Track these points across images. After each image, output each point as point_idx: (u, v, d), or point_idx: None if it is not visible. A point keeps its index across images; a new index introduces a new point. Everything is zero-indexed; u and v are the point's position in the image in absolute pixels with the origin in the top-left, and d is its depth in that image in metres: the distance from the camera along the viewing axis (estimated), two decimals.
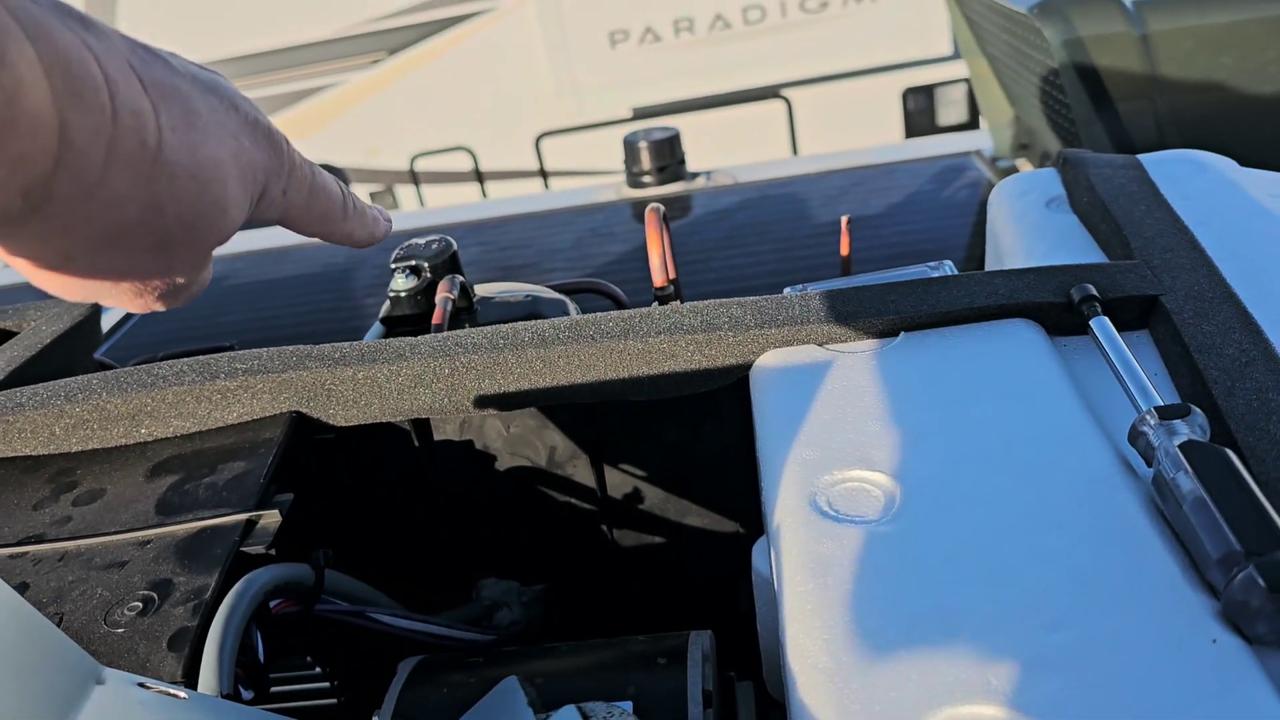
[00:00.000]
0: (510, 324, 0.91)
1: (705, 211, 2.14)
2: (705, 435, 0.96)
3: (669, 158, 2.25)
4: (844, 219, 1.14)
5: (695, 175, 2.31)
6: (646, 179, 2.25)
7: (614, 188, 2.30)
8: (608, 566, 1.03)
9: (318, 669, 0.91)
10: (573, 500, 0.99)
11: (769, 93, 5.08)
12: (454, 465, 0.98)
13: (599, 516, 1.00)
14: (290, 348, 0.93)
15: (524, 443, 0.96)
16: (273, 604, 0.80)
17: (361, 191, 5.26)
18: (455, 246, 1.13)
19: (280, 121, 5.20)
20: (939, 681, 0.56)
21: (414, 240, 1.14)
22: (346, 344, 0.92)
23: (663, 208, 1.10)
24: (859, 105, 5.13)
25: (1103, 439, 0.71)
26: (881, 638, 0.59)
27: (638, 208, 2.17)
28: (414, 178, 5.16)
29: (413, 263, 1.09)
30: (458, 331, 0.92)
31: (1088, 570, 0.61)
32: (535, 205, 2.28)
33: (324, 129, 5.24)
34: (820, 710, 0.57)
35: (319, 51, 5.11)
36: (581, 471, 0.98)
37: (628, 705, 0.74)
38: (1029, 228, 1.04)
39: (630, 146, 2.26)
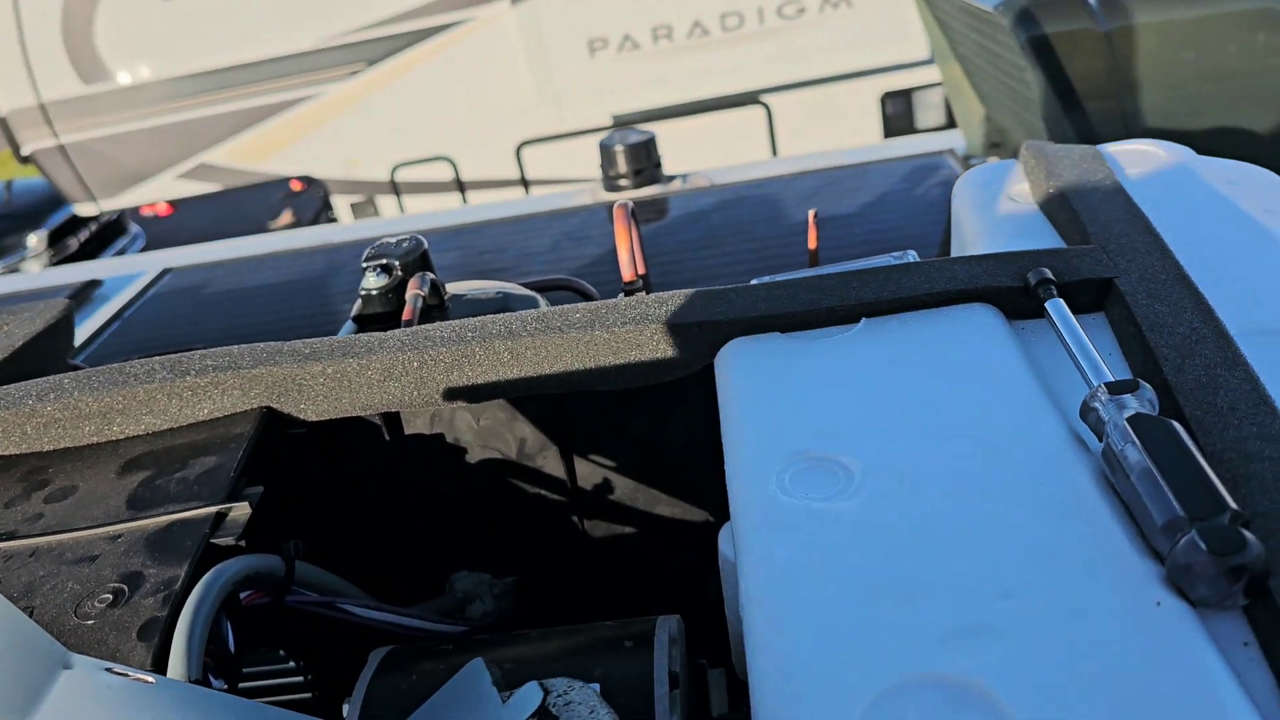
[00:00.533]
0: (479, 317, 0.92)
1: (681, 213, 2.15)
2: (673, 425, 0.97)
3: (645, 161, 2.26)
4: (811, 213, 1.16)
5: (671, 178, 2.32)
6: (623, 182, 2.27)
7: (590, 191, 2.32)
8: (579, 558, 1.04)
9: (292, 662, 0.91)
10: (543, 492, 1.00)
11: (748, 99, 5.11)
12: (425, 458, 0.98)
13: (570, 508, 1.01)
14: (261, 344, 0.94)
15: (494, 435, 0.97)
16: (243, 595, 0.81)
17: (343, 202, 5.25)
18: (426, 245, 1.14)
19: (261, 133, 5.21)
20: (893, 650, 0.57)
21: (385, 239, 1.15)
22: (317, 340, 0.93)
23: (631, 204, 1.11)
24: (838, 110, 5.15)
25: (1056, 415, 0.73)
26: (839, 610, 0.60)
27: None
28: (395, 188, 5.16)
29: (383, 261, 1.10)
30: (426, 325, 0.92)
31: (1039, 540, 0.63)
32: (513, 210, 2.29)
33: (304, 140, 5.23)
34: (779, 684, 0.58)
35: (298, 63, 5.11)
36: (552, 463, 0.99)
37: (595, 687, 0.75)
38: (991, 217, 1.06)
39: (606, 150, 2.27)
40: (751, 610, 0.63)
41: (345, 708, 0.78)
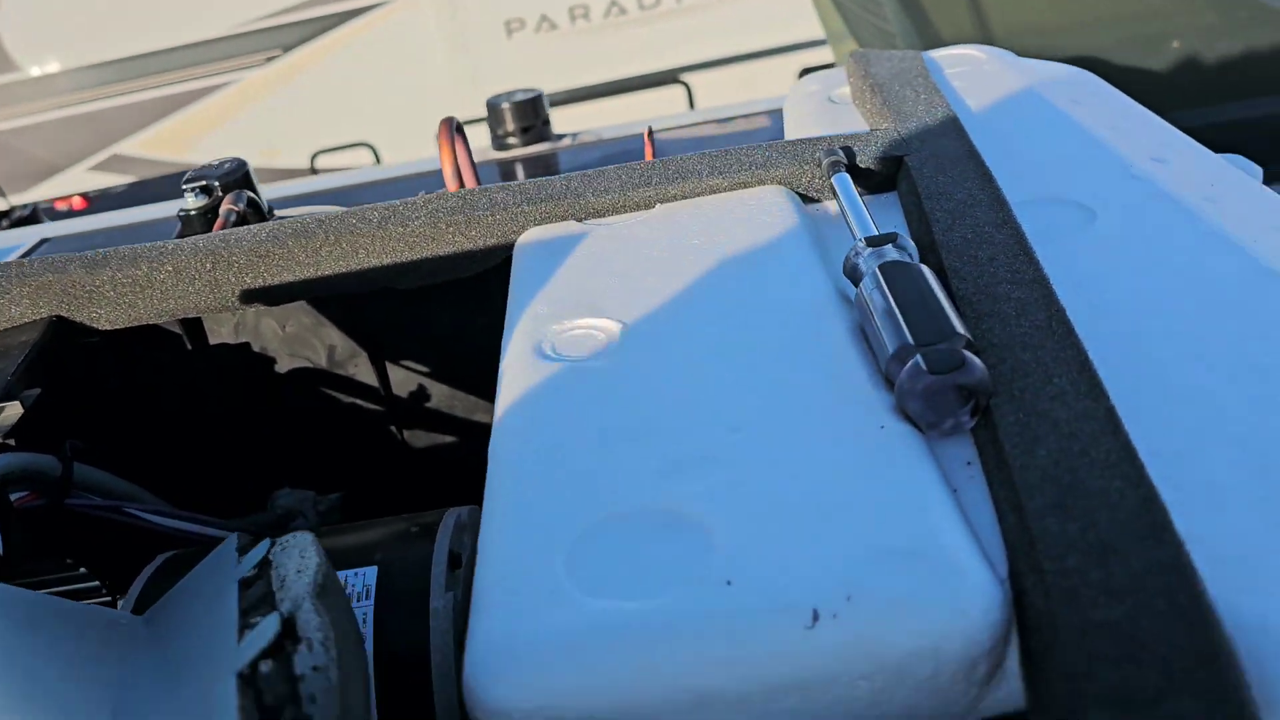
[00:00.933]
0: (278, 222, 0.91)
1: (568, 168, 2.14)
2: (479, 324, 0.95)
3: (533, 118, 2.24)
4: (646, 130, 1.15)
5: (561, 136, 2.31)
6: (511, 140, 2.25)
7: (479, 151, 2.29)
8: (403, 469, 1.02)
9: (84, 571, 0.88)
10: (359, 401, 0.98)
11: (668, 78, 5.10)
12: (233, 368, 0.96)
13: (387, 417, 0.99)
14: (55, 255, 0.91)
15: (302, 343, 0.95)
16: (16, 497, 0.78)
17: (264, 192, 5.17)
18: (249, 167, 1.12)
19: (176, 122, 5.11)
20: (613, 486, 0.56)
21: (207, 163, 1.13)
22: (112, 248, 0.90)
23: (456, 119, 1.10)
24: (757, 87, 5.16)
25: (823, 276, 0.73)
26: (571, 455, 0.60)
27: (503, 167, 2.17)
28: (315, 175, 5.09)
29: (203, 183, 1.08)
30: (225, 231, 0.90)
31: (781, 383, 0.62)
32: (400, 171, 2.26)
33: (221, 128, 5.14)
34: (498, 523, 0.57)
35: (212, 50, 5.03)
36: (364, 371, 0.97)
37: (372, 570, 0.73)
38: (810, 117, 1.06)
39: (494, 109, 2.25)
40: (490, 463, 0.62)
41: (120, 604, 0.76)
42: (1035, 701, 0.46)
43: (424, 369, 0.97)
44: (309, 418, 1.00)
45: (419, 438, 1.01)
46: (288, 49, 5.02)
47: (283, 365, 0.96)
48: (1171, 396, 0.59)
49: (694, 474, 0.56)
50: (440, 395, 0.98)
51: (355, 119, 5.09)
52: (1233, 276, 0.68)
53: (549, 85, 5.37)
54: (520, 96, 2.23)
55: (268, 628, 0.48)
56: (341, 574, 0.73)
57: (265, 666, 0.45)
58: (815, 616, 0.47)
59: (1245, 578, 0.47)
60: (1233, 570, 0.47)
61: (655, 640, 0.47)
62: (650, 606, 0.49)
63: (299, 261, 0.87)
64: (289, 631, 0.47)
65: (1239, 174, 0.85)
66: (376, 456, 1.02)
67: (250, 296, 0.88)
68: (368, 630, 0.70)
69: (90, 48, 4.86)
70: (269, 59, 5.03)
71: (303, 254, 0.87)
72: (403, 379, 0.98)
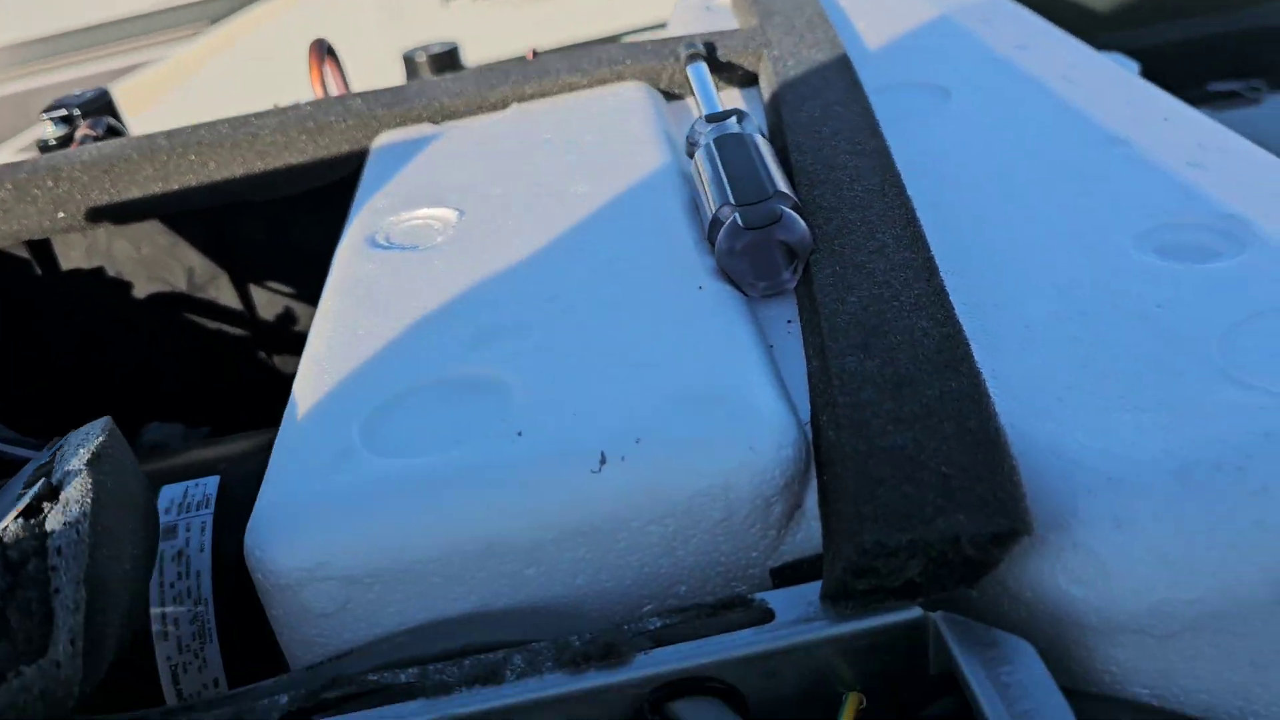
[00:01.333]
0: (126, 138, 0.87)
1: None
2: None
3: (449, 70, 2.20)
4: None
5: None
6: None
7: None
8: (272, 399, 0.99)
9: None
10: (224, 327, 0.95)
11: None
12: (87, 294, 0.93)
13: (254, 343, 0.97)
14: None
15: (159, 265, 0.92)
16: None
17: None
18: (111, 96, 1.08)
19: None
20: (422, 358, 0.55)
21: (69, 93, 1.09)
22: None
23: (327, 42, 1.07)
24: None
25: (672, 160, 0.71)
26: (388, 330, 0.58)
27: None
28: None
29: (63, 111, 1.04)
30: (70, 150, 0.87)
31: (607, 255, 0.61)
32: None
33: (150, 107, 5.02)
34: (306, 395, 0.55)
35: (136, 25, 4.90)
36: (226, 294, 0.94)
37: (214, 479, 0.71)
38: (688, 25, 1.04)
39: (409, 61, 2.21)
40: (305, 348, 0.60)
41: None
42: (826, 535, 0.45)
43: (288, 288, 0.94)
44: (172, 345, 0.96)
45: (289, 364, 0.98)
46: (214, 21, 4.91)
47: (140, 290, 0.93)
48: (998, 255, 0.58)
49: (503, 341, 0.54)
50: (306, 315, 0.96)
51: (288, 94, 4.99)
52: (1076, 145, 0.67)
53: (488, 53, 5.32)
54: (437, 49, 2.18)
55: (31, 493, 0.45)
56: (182, 485, 0.70)
57: (15, 525, 0.43)
58: (603, 460, 0.45)
59: (1042, 406, 0.46)
60: (1031, 400, 0.46)
61: (441, 492, 0.46)
62: (438, 460, 0.47)
63: (146, 175, 0.84)
64: (52, 495, 0.45)
65: (1102, 59, 0.84)
66: (245, 385, 0.99)
67: (98, 214, 0.84)
68: (206, 537, 0.68)
69: (10, 26, 4.72)
70: (195, 33, 4.92)
71: (150, 167, 0.83)
72: (267, 300, 0.95)
